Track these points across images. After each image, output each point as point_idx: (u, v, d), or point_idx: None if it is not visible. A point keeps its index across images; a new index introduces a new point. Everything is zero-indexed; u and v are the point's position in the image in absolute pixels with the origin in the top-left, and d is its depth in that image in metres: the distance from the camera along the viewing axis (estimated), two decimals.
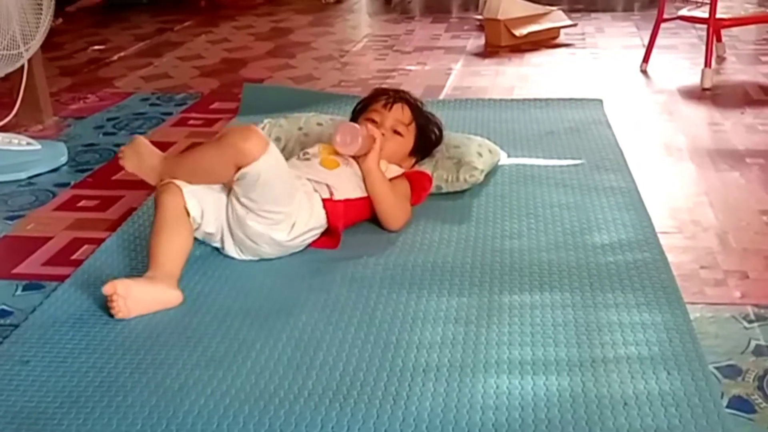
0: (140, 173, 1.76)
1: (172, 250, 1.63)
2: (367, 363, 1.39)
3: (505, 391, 1.30)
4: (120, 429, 1.24)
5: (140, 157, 1.75)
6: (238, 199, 1.68)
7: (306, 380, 1.35)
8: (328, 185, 1.81)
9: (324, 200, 1.79)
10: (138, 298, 1.54)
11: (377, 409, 1.27)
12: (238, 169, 1.62)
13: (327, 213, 1.78)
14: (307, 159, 1.88)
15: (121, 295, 1.52)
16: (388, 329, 1.49)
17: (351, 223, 1.85)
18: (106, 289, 1.52)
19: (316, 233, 1.79)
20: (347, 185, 1.84)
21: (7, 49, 2.32)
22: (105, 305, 1.56)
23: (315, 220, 1.77)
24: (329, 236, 1.80)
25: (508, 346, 1.43)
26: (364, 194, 1.86)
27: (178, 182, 1.69)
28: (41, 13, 2.28)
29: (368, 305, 1.58)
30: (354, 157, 1.86)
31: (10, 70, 2.40)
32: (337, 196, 1.80)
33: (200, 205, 1.69)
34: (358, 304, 1.58)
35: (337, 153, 1.86)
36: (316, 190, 1.79)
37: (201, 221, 1.70)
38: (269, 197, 1.67)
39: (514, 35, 3.74)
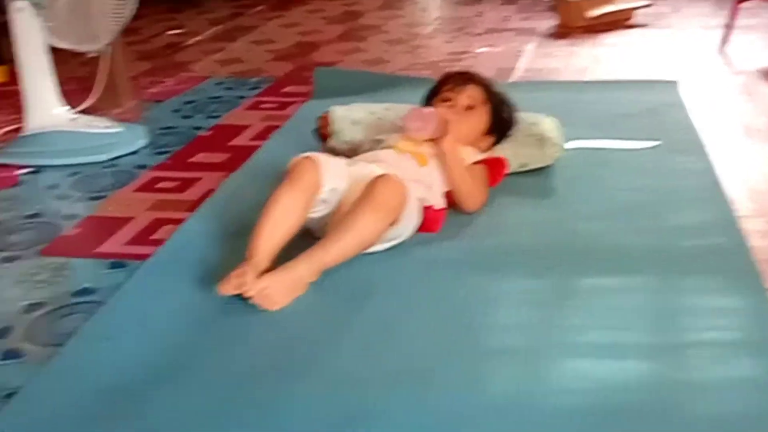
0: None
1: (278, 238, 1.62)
2: (443, 345, 1.40)
3: (582, 375, 1.30)
4: (202, 405, 1.27)
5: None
6: None
7: (382, 362, 1.36)
8: (428, 185, 1.80)
9: (425, 208, 1.77)
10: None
11: (452, 391, 1.27)
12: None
13: (425, 220, 1.76)
14: (388, 148, 1.87)
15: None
16: (463, 312, 1.50)
17: None
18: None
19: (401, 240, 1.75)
20: (438, 182, 1.83)
21: (88, 32, 2.38)
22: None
23: (411, 231, 1.74)
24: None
25: (585, 329, 1.42)
26: (447, 188, 1.85)
27: (321, 161, 1.67)
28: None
29: (443, 288, 1.59)
30: (429, 141, 1.86)
31: (92, 49, 2.46)
32: (437, 197, 1.80)
33: (329, 197, 1.68)
34: (433, 287, 1.59)
35: (414, 140, 1.86)
36: (420, 199, 1.77)
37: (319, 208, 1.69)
38: (396, 231, 1.68)
39: (587, 16, 3.68)
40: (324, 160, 1.69)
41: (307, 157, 1.68)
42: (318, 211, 1.70)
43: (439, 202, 1.82)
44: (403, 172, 1.75)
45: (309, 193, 1.65)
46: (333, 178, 1.68)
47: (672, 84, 2.75)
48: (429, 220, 1.78)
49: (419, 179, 1.79)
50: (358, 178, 1.71)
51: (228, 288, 1.53)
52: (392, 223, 1.63)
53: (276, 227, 1.61)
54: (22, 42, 2.34)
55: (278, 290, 1.53)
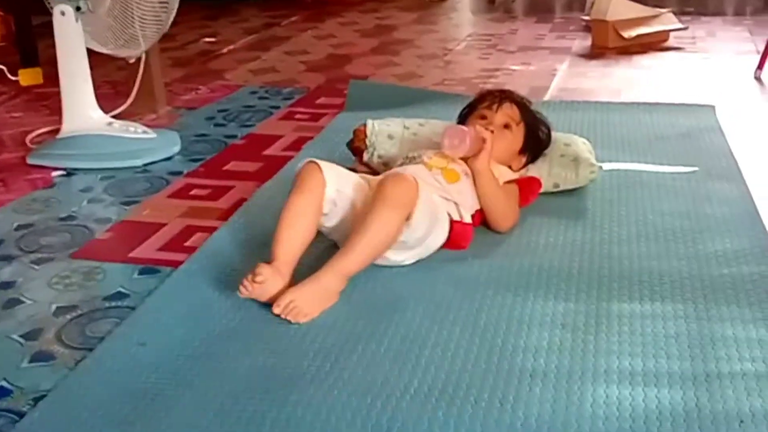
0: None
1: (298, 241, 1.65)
2: (473, 364, 1.39)
3: (615, 402, 1.28)
4: (231, 413, 1.27)
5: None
6: None
7: (412, 377, 1.35)
8: (456, 203, 1.80)
9: (453, 222, 1.77)
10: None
11: (483, 411, 1.26)
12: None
13: (452, 233, 1.76)
14: (419, 163, 1.86)
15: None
16: (494, 331, 1.49)
17: None
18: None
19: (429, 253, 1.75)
20: (468, 199, 1.83)
21: (128, 37, 2.41)
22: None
23: (438, 242, 1.75)
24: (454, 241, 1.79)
25: (617, 355, 1.40)
26: (478, 206, 1.85)
27: (322, 164, 1.69)
28: (165, 5, 2.35)
29: (473, 306, 1.57)
30: (464, 159, 1.86)
31: (131, 54, 2.49)
32: (465, 215, 1.80)
33: (337, 198, 1.69)
34: (463, 305, 1.58)
35: (447, 157, 1.85)
36: (448, 213, 1.77)
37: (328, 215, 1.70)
38: (414, 233, 1.67)
39: (622, 37, 3.67)
40: (325, 163, 1.71)
41: (308, 162, 1.71)
42: (332, 216, 1.70)
43: (467, 219, 1.81)
44: (429, 187, 1.75)
45: (316, 193, 1.67)
46: (336, 178, 1.70)
47: (709, 108, 2.73)
48: (457, 234, 1.77)
49: (447, 196, 1.79)
50: (375, 186, 1.72)
51: (245, 290, 1.55)
52: (406, 219, 1.62)
53: (292, 231, 1.64)
54: (63, 46, 2.37)
55: (306, 302, 1.53)
